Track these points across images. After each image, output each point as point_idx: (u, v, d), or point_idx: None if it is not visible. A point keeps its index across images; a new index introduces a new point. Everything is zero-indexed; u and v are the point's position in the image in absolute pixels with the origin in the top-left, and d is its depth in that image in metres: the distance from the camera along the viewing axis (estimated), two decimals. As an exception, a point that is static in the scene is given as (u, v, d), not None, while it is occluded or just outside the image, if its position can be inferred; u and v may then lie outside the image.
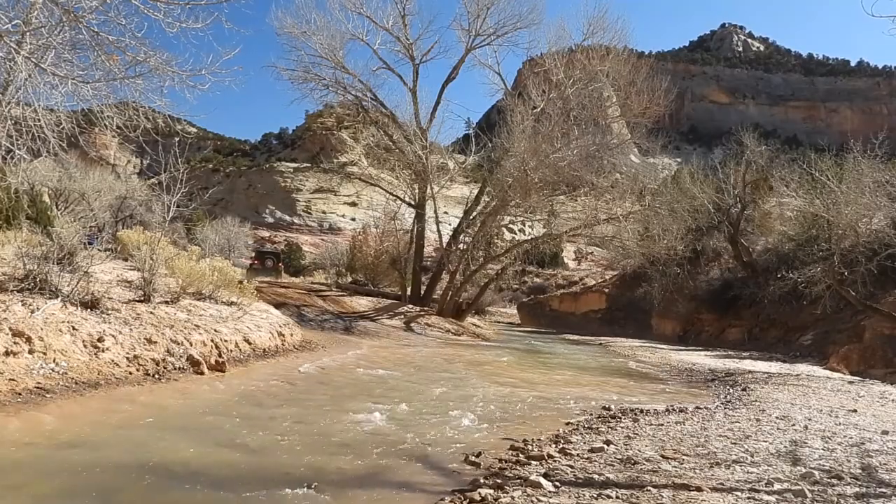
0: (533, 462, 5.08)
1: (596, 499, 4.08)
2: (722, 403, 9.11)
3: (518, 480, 4.46)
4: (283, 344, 12.39)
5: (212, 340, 9.92)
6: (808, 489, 4.34)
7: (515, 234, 42.76)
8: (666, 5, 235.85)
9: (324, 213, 74.12)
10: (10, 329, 7.09)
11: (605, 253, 42.21)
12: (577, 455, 5.32)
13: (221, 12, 6.73)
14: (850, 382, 12.55)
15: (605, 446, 5.63)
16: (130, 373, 7.82)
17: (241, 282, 13.62)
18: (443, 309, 25.17)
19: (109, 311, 9.04)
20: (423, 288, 27.28)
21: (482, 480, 4.51)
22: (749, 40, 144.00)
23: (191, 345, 9.27)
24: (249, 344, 11.06)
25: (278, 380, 9.22)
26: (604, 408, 8.16)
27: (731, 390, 10.89)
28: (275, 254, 41.41)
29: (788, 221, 25.97)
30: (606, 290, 36.70)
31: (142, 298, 10.43)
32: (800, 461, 5.29)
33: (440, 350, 16.76)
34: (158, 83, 6.93)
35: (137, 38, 6.44)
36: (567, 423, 7.03)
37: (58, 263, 9.27)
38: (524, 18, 26.52)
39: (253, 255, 38.23)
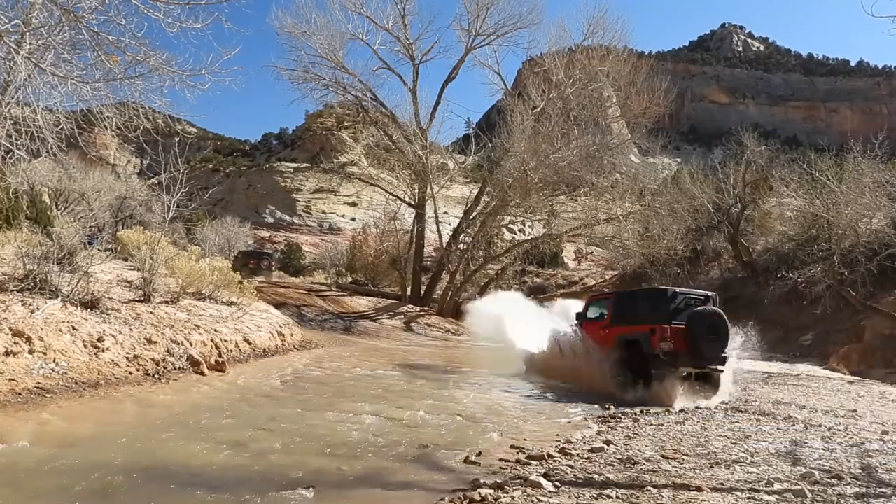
0: (533, 462, 5.08)
1: (596, 499, 4.07)
2: (722, 403, 9.09)
3: (518, 480, 4.46)
4: (283, 344, 12.40)
5: (212, 340, 9.92)
6: (808, 489, 4.34)
7: (515, 234, 42.72)
8: (666, 5, 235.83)
9: (324, 213, 74.01)
10: (10, 329, 7.09)
11: (605, 253, 42.13)
12: (577, 455, 5.32)
13: (221, 12, 6.73)
14: (850, 382, 12.54)
15: (605, 446, 5.63)
16: (130, 373, 7.82)
17: (240, 282, 13.63)
18: (443, 309, 25.18)
19: (109, 311, 9.04)
20: (423, 288, 27.28)
21: (482, 480, 4.50)
22: (749, 40, 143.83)
23: (191, 345, 9.28)
24: (249, 344, 11.07)
25: (278, 380, 9.22)
26: (604, 407, 8.16)
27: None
28: (267, 254, 39.74)
29: (788, 221, 25.96)
30: (606, 291, 36.68)
31: (142, 298, 10.43)
32: (800, 461, 5.28)
33: (440, 350, 16.75)
34: (158, 83, 6.93)
35: (137, 38, 6.45)
36: (567, 423, 7.03)
37: (58, 263, 9.27)
38: (524, 18, 26.58)
39: (235, 255, 32.77)
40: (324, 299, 22.77)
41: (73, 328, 7.92)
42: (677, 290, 10.08)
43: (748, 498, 4.17)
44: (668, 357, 8.84)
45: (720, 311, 9.23)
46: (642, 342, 9.16)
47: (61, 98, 6.59)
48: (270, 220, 72.44)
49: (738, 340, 9.90)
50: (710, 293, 10.19)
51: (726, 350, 9.18)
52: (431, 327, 22.21)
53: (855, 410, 8.38)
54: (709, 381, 9.34)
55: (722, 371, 9.28)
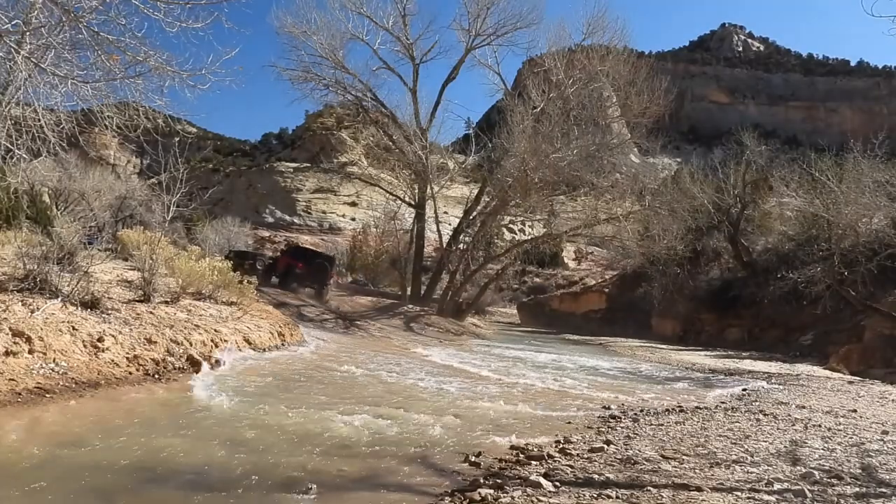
0: (533, 462, 5.08)
1: (596, 499, 4.08)
2: (721, 403, 9.10)
3: (518, 480, 4.46)
4: (282, 344, 12.39)
5: (212, 340, 9.91)
6: (808, 489, 4.34)
7: (515, 234, 42.75)
8: (666, 5, 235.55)
9: (324, 213, 73.93)
10: (10, 329, 7.08)
11: (605, 253, 42.20)
12: (577, 455, 5.32)
13: (221, 12, 6.72)
14: (850, 382, 12.55)
15: (605, 446, 5.63)
16: (130, 373, 7.81)
17: (240, 282, 13.61)
18: (443, 309, 25.18)
19: (109, 311, 9.03)
20: (423, 288, 27.29)
21: (482, 480, 4.50)
22: (749, 40, 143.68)
23: (191, 345, 9.27)
24: (249, 344, 11.06)
25: (278, 380, 9.22)
26: (604, 407, 8.16)
27: (731, 390, 10.88)
28: (260, 256, 37.58)
29: (788, 221, 26.00)
30: (606, 290, 36.70)
31: (142, 298, 10.42)
32: (800, 461, 5.28)
33: (439, 349, 16.74)
34: (158, 83, 6.92)
35: (137, 38, 6.44)
36: (567, 423, 7.03)
37: (58, 263, 9.26)
38: (524, 18, 26.62)
39: (226, 254, 31.66)
40: (324, 299, 22.77)
41: (73, 328, 7.91)
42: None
43: (748, 498, 4.17)
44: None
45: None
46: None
47: (62, 98, 6.59)
48: (270, 220, 72.37)
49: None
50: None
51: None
52: (431, 327, 22.22)
53: (855, 410, 8.39)
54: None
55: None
